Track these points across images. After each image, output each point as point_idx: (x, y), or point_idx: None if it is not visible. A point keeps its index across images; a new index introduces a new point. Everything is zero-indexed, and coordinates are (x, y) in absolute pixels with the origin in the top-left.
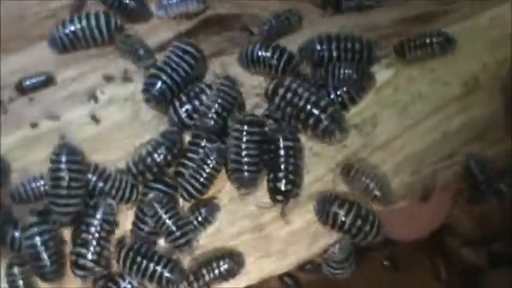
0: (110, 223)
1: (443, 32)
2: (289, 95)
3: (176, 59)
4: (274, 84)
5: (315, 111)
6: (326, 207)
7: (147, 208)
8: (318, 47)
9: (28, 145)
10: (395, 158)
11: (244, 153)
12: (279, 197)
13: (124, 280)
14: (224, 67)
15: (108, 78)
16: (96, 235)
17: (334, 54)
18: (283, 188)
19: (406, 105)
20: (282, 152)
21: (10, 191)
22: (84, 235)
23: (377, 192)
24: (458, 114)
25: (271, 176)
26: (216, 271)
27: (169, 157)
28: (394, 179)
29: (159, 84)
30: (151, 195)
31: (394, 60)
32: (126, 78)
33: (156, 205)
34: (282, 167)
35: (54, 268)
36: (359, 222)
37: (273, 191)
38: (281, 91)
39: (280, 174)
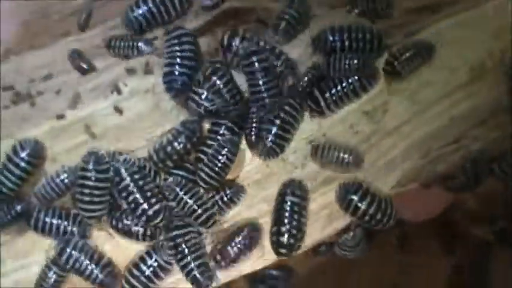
0: None
1: (425, 41)
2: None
3: (177, 47)
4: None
5: None
6: (348, 196)
7: (168, 192)
8: (331, 38)
9: (55, 136)
10: (405, 143)
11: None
12: (282, 251)
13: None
14: None
15: (130, 71)
16: None
17: (346, 44)
18: (285, 242)
19: (414, 92)
20: (287, 208)
21: (34, 192)
22: None
23: (347, 158)
24: (465, 100)
25: (275, 229)
26: (240, 243)
27: (188, 145)
28: (403, 163)
29: (176, 76)
30: (170, 179)
31: None
32: (148, 70)
33: (175, 188)
34: (286, 221)
35: None
36: (379, 215)
37: (276, 244)
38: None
39: (283, 229)
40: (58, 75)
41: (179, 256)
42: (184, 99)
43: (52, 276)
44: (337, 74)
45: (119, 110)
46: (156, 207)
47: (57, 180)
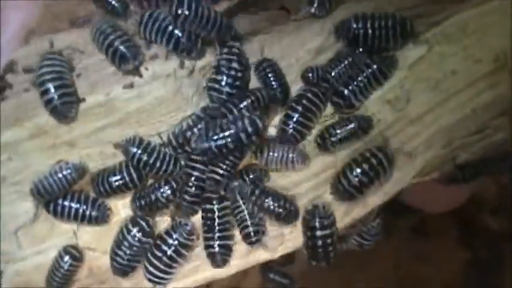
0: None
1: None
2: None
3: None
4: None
5: None
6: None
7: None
8: (354, 25)
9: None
10: (428, 132)
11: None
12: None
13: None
14: (262, 45)
15: (152, 56)
16: None
17: (370, 32)
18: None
19: (438, 81)
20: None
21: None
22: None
23: (292, 155)
24: (488, 90)
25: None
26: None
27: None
28: (426, 152)
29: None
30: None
31: (428, 37)
32: (169, 55)
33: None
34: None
35: None
36: None
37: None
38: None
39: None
40: (79, 59)
41: (207, 229)
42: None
43: (68, 261)
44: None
45: (131, 86)
46: None
47: (60, 175)
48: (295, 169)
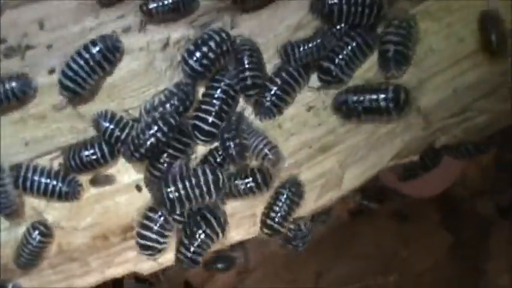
0: None
1: None
2: None
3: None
4: None
5: None
6: None
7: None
8: (329, 1)
9: (45, 92)
10: None
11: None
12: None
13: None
14: (234, 20)
15: (125, 28)
16: None
17: (345, 8)
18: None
19: (419, 60)
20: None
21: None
22: None
23: (266, 151)
24: (471, 71)
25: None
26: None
27: (181, 108)
28: (404, 134)
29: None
30: None
31: (413, 14)
32: (142, 28)
33: None
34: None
35: None
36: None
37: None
38: None
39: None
40: (52, 30)
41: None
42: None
43: (36, 237)
44: None
45: None
46: None
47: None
48: (263, 164)
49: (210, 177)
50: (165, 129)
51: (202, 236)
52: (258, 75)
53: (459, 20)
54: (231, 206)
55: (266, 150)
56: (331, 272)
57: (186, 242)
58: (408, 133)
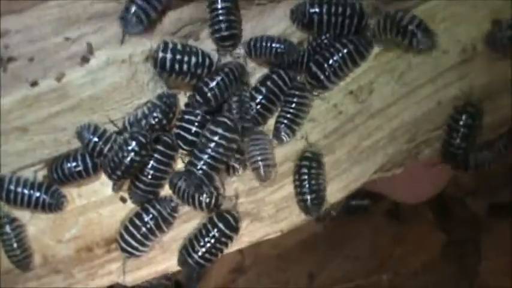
0: None
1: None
2: None
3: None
4: None
5: None
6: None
7: None
8: (309, 10)
9: (28, 105)
10: (391, 125)
11: None
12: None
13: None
14: None
15: (107, 40)
16: None
17: (325, 18)
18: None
19: (403, 73)
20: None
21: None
22: None
23: (260, 164)
24: (455, 83)
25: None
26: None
27: (164, 120)
28: (388, 146)
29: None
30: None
31: None
32: (125, 40)
33: None
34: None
35: None
36: None
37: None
38: None
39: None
40: (33, 42)
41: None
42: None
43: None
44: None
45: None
46: None
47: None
48: (253, 175)
49: None
50: (136, 149)
51: (214, 238)
52: (234, 26)
53: (443, 31)
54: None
55: (260, 164)
56: (324, 272)
57: (194, 243)
58: (391, 146)
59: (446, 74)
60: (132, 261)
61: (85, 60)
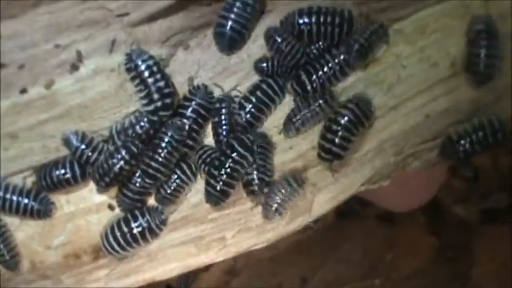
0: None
1: None
2: None
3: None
4: None
5: None
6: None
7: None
8: (299, 21)
9: (17, 112)
10: (378, 137)
11: None
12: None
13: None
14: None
15: (96, 49)
16: None
17: (314, 28)
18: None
19: (391, 85)
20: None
21: None
22: None
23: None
24: (444, 96)
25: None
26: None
27: (151, 130)
28: (375, 159)
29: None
30: None
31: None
32: (114, 48)
33: None
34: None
35: None
36: None
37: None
38: None
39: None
40: (24, 49)
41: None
42: None
43: None
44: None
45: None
46: None
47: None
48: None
49: None
50: (127, 157)
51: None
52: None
53: (433, 43)
54: (199, 229)
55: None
56: (317, 275)
57: (215, 173)
58: (379, 159)
59: (435, 87)
60: (120, 268)
61: (74, 68)
